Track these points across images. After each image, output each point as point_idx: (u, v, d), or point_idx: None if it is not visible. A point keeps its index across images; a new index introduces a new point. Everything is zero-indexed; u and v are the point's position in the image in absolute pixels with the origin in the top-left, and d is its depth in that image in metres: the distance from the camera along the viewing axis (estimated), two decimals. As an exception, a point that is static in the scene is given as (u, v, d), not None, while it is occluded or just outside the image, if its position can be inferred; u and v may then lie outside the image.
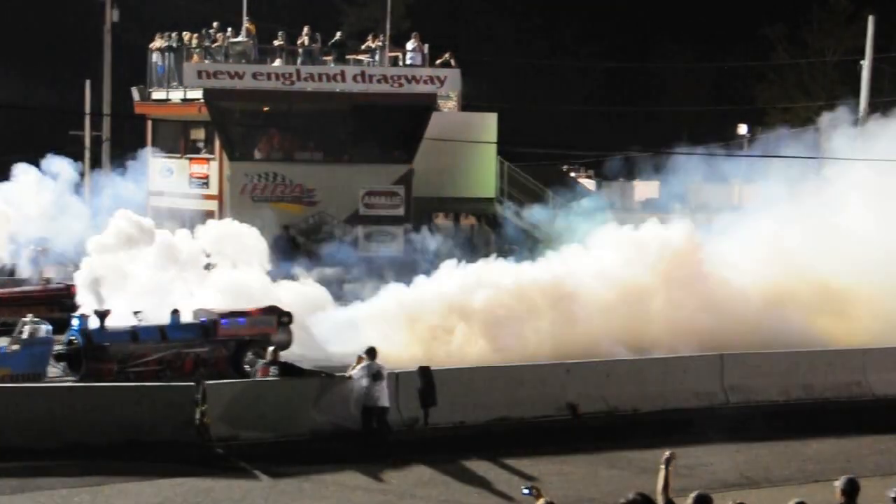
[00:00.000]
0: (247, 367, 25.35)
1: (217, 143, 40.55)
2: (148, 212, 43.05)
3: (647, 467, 18.07)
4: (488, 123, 42.93)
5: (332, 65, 40.70)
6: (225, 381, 22.63)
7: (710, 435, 21.93)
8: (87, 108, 44.71)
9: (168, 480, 18.98)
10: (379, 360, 21.64)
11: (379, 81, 40.49)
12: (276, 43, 40.67)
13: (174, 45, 40.75)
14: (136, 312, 25.05)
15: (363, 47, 41.70)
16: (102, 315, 24.75)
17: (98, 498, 18.05)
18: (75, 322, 24.89)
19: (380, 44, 41.33)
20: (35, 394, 21.55)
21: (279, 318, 26.44)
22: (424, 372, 22.33)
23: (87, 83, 44.79)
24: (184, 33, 40.65)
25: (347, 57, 41.35)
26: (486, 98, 47.29)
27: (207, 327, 25.60)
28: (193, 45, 40.34)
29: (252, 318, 26.08)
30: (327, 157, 41.34)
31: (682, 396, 24.29)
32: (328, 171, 40.68)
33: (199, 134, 41.88)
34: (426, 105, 40.84)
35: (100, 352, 24.34)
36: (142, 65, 42.06)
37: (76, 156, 45.34)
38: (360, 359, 21.87)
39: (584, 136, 57.05)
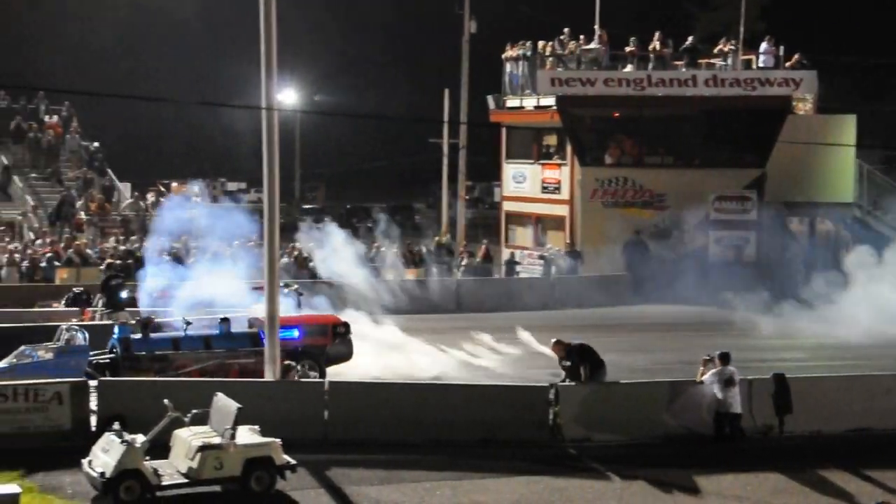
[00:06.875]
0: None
1: (569, 149, 41.25)
2: (501, 217, 44.46)
3: None
4: (846, 125, 41.51)
5: (684, 69, 40.55)
6: (575, 383, 22.91)
7: None
8: (446, 117, 46.34)
9: (523, 478, 19.44)
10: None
11: (731, 85, 40.02)
12: (627, 49, 40.91)
13: (528, 53, 41.73)
14: (186, 321, 24.43)
15: (715, 51, 41.30)
16: (146, 324, 24.35)
17: (458, 492, 18.70)
18: (116, 330, 24.27)
19: (732, 47, 40.79)
20: (400, 390, 22.37)
21: (334, 329, 25.71)
22: (779, 379, 21.96)
23: (446, 92, 46.45)
24: (538, 42, 41.56)
25: (699, 61, 41.06)
26: (846, 99, 45.63)
27: (256, 337, 24.24)
28: (546, 54, 41.18)
29: (305, 329, 25.28)
30: (677, 161, 41.22)
31: None
32: (678, 175, 40.54)
33: (551, 140, 42.73)
34: (780, 108, 40.01)
35: (136, 362, 23.59)
36: (497, 73, 43.27)
37: (436, 161, 47.19)
38: (704, 361, 21.81)
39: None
